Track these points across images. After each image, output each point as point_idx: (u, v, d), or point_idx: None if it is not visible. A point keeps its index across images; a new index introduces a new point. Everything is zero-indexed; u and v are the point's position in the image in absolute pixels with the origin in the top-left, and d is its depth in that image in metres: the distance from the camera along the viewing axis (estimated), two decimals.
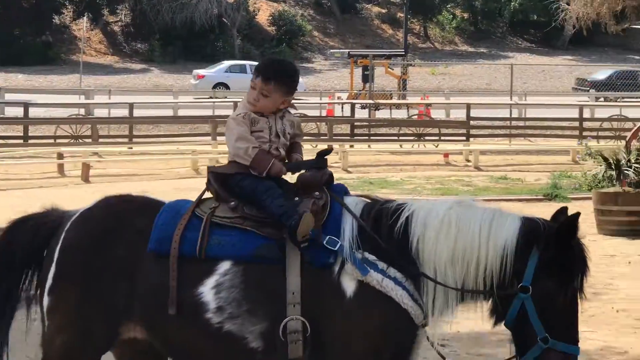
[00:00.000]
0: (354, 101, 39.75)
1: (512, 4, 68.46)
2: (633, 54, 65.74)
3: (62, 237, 4.85)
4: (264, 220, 4.73)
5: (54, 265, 4.81)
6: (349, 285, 4.55)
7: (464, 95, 41.61)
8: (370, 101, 39.44)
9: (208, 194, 5.10)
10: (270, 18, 68.83)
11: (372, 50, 51.62)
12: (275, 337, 4.52)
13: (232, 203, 4.79)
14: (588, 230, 15.14)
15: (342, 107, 39.40)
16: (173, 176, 24.03)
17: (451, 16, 72.96)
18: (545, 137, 34.31)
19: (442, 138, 32.34)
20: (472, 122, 33.38)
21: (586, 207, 16.16)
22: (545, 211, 14.17)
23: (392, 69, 45.48)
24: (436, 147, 30.93)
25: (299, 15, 69.70)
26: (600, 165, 18.20)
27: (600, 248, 14.73)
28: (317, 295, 4.60)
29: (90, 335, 4.86)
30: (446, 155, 28.90)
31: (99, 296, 4.77)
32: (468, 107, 34.44)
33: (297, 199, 4.74)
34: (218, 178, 4.94)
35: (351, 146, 30.21)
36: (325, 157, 5.11)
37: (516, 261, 4.51)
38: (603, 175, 17.57)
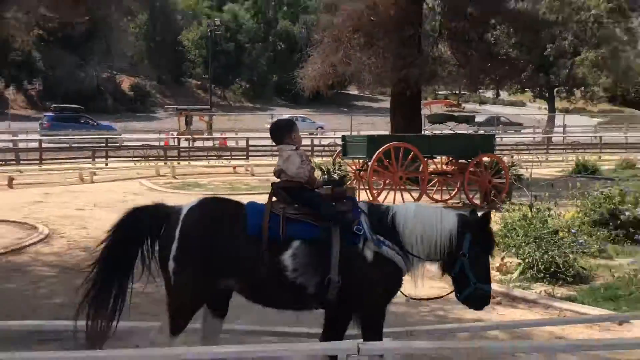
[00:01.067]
0: (181, 136, 42.35)
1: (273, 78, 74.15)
2: (343, 107, 73.27)
3: (179, 222, 5.27)
4: (316, 216, 5.41)
5: (176, 241, 5.22)
6: (369, 254, 5.37)
7: (246, 132, 43.82)
8: (189, 136, 42.60)
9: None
10: (129, 86, 72.54)
11: (191, 106, 54.76)
12: (322, 285, 5.30)
13: (296, 205, 5.50)
14: None
15: (174, 140, 41.61)
16: (67, 183, 23.99)
17: (239, 86, 78.44)
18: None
19: (233, 157, 34.82)
20: (250, 148, 35.71)
21: None
22: None
23: (204, 118, 49.63)
24: (229, 162, 32.56)
25: (148, 84, 73.63)
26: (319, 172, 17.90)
27: None
28: (349, 261, 5.32)
29: (201, 286, 5.36)
30: (234, 167, 30.16)
31: (208, 262, 5.27)
32: (247, 140, 37.13)
33: (333, 203, 5.53)
34: (285, 189, 5.61)
35: (178, 162, 31.84)
36: (343, 180, 6.39)
37: (458, 240, 5.48)
38: (322, 178, 14.23)
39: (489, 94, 77.82)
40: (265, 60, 75.36)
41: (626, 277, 9.59)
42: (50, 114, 49.72)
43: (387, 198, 16.97)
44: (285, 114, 57.29)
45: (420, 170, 17.43)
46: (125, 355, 4.80)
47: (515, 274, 10.13)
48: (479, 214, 5.69)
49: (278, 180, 5.69)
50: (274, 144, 6.06)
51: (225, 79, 75.51)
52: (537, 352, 6.66)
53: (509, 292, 9.31)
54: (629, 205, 12.58)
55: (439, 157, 19.02)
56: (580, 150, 37.51)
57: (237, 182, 24.84)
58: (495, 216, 9.38)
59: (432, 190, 18.73)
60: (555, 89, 63.62)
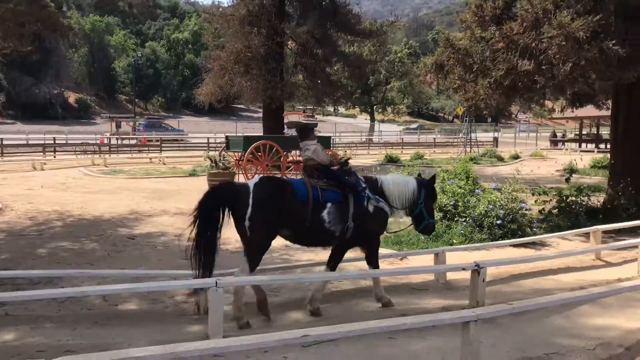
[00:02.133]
0: (112, 136, 40.12)
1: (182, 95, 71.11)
2: (233, 116, 70.66)
3: (251, 194, 5.39)
4: (338, 186, 5.81)
5: (250, 207, 5.36)
6: (370, 208, 5.87)
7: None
8: (118, 136, 40.62)
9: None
10: (75, 99, 67.90)
11: (120, 115, 53.58)
12: (343, 229, 5.76)
13: (325, 180, 5.84)
14: (203, 185, 20.68)
15: (107, 139, 38.37)
16: (22, 171, 21.61)
17: (157, 100, 74.81)
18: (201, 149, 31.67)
19: (150, 151, 33.13)
20: (163, 144, 34.61)
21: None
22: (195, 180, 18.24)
23: (129, 123, 46.35)
24: (147, 155, 30.97)
25: (89, 99, 69.24)
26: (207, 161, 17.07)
27: None
28: (358, 213, 5.79)
29: (269, 235, 5.60)
30: (150, 158, 28.48)
31: (273, 219, 5.50)
32: (161, 139, 36.50)
33: (346, 177, 5.91)
34: (316, 170, 5.94)
35: (109, 155, 30.19)
36: (347, 162, 6.40)
37: (418, 193, 6.10)
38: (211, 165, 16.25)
39: (331, 108, 78.87)
40: (176, 82, 73.15)
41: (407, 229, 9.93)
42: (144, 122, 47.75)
43: None
44: (190, 121, 55.92)
45: (281, 160, 17.62)
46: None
47: None
48: (429, 178, 6.44)
49: (308, 164, 6.07)
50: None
51: (146, 95, 73.33)
52: (345, 279, 6.95)
53: None
54: None
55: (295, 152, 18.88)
56: (389, 147, 38.97)
57: (152, 169, 23.52)
58: None
59: (290, 174, 18.53)
60: (375, 106, 65.25)
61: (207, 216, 5.43)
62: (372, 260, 6.16)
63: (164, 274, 6.19)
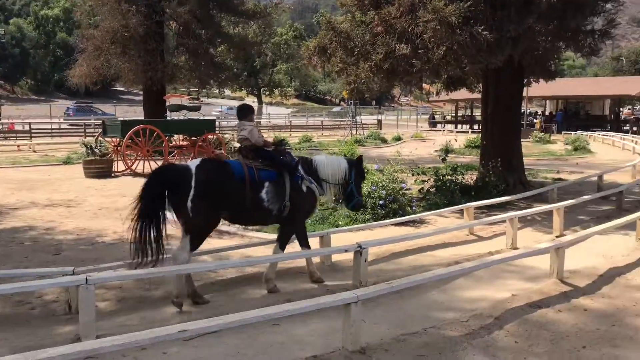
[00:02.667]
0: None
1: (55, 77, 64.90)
2: (113, 100, 62.69)
3: (193, 176, 5.43)
4: (273, 165, 5.95)
5: (192, 189, 5.39)
6: (304, 187, 6.07)
7: (31, 119, 36.97)
8: None
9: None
10: None
11: None
12: (280, 208, 5.92)
13: (260, 160, 5.96)
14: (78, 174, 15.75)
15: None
16: None
17: (26, 82, 69.25)
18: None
19: (18, 137, 30.03)
20: (33, 130, 32.14)
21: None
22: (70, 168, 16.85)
23: None
24: (15, 142, 27.67)
25: None
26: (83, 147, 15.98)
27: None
28: (294, 192, 5.96)
29: (211, 217, 5.69)
30: (19, 146, 25.85)
31: (214, 201, 5.54)
32: (30, 124, 33.08)
33: (281, 157, 6.06)
34: (251, 150, 6.04)
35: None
36: (282, 141, 6.51)
37: (349, 173, 6.34)
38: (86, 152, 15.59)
39: (217, 91, 77.30)
40: (47, 63, 67.53)
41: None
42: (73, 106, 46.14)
43: (139, 166, 16.29)
44: (64, 104, 52.08)
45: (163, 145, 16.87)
46: None
47: None
48: (357, 158, 6.76)
49: (243, 145, 6.13)
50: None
51: (13, 77, 66.89)
52: (232, 268, 6.79)
53: (218, 228, 9.06)
54: None
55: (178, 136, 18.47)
56: (277, 130, 39.00)
57: (20, 157, 21.88)
58: None
59: (174, 159, 17.96)
60: (262, 88, 64.79)
61: (151, 199, 5.43)
62: (283, 241, 6.33)
63: (28, 273, 5.66)
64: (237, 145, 6.66)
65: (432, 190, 11.76)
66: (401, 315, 5.37)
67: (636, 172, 15.58)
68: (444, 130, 42.71)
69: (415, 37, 10.02)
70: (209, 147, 17.50)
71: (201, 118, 18.74)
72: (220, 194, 5.57)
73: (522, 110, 45.79)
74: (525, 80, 13.72)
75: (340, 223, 9.23)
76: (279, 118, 55.78)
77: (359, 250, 5.88)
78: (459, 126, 49.52)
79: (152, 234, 5.38)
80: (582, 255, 7.51)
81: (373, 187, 9.63)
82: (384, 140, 31.15)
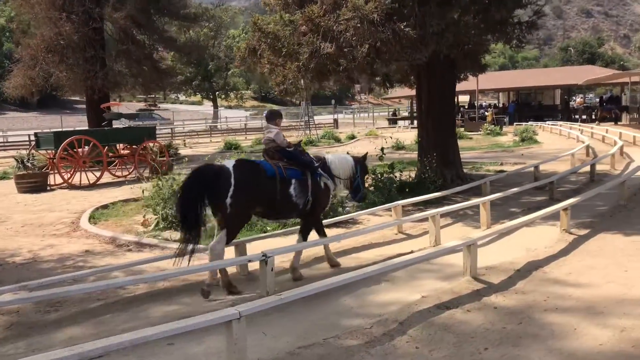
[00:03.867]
0: None
1: None
2: (67, 110, 65.50)
3: (232, 174, 5.88)
4: (297, 164, 6.48)
5: (232, 186, 5.82)
6: (322, 184, 6.66)
7: None
8: None
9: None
10: None
11: None
12: (306, 202, 6.46)
13: (285, 160, 6.46)
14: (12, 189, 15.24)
15: None
16: None
17: None
18: None
19: None
20: None
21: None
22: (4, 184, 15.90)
23: None
24: None
25: None
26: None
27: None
28: (315, 188, 6.52)
29: (247, 210, 6.18)
30: None
31: (251, 195, 6.01)
32: None
33: (303, 157, 6.63)
34: (278, 151, 6.53)
35: None
36: (300, 143, 7.08)
37: (355, 169, 7.04)
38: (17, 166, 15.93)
39: (177, 96, 75.99)
40: None
41: None
42: None
43: (76, 178, 15.74)
44: (16, 117, 50.42)
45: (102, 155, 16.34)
46: None
47: (152, 226, 9.71)
48: (362, 155, 7.44)
49: (270, 147, 6.60)
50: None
51: None
52: (143, 283, 6.45)
53: (139, 241, 8.78)
54: None
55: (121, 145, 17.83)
56: (232, 134, 38.45)
57: None
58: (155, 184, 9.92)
59: (117, 168, 17.63)
60: (217, 92, 63.94)
61: (191, 197, 5.83)
62: (306, 232, 6.91)
63: None
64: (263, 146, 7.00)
65: (371, 188, 11.58)
66: (307, 325, 5.15)
67: (575, 161, 15.73)
68: (399, 126, 42.66)
69: (339, 35, 9.84)
70: (149, 154, 16.99)
71: (141, 125, 18.06)
72: (256, 190, 6.07)
73: (472, 103, 46.76)
74: (459, 75, 13.68)
75: (268, 228, 8.95)
76: (235, 121, 55.18)
77: (264, 260, 5.62)
78: (416, 122, 49.68)
79: (194, 229, 5.87)
80: (504, 249, 7.46)
81: None
82: (338, 140, 30.97)
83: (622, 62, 71.23)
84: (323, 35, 10.09)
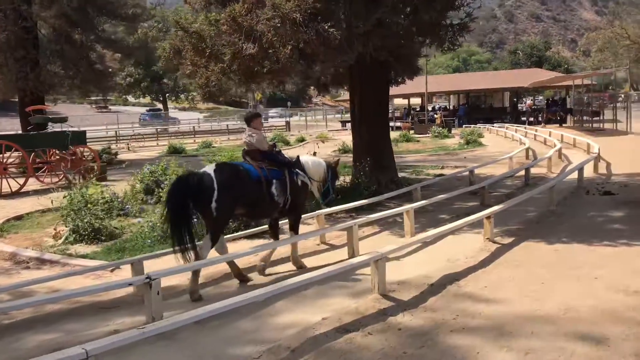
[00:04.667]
0: None
1: None
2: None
3: (214, 179, 5.98)
4: (277, 165, 6.71)
5: (215, 191, 5.95)
6: (299, 182, 6.84)
7: None
8: None
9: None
10: None
11: None
12: (285, 200, 6.65)
13: (266, 162, 6.67)
14: None
15: None
16: None
17: None
18: None
19: None
20: None
21: None
22: None
23: None
24: None
25: None
26: None
27: None
28: (293, 187, 6.72)
29: (230, 213, 6.37)
30: None
31: (233, 198, 6.14)
32: None
33: (281, 157, 6.90)
34: (258, 153, 6.72)
35: None
36: (275, 145, 7.25)
37: (327, 173, 7.27)
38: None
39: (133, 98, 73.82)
40: None
41: (136, 232, 9.06)
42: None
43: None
44: None
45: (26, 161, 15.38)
46: None
47: (62, 239, 9.00)
48: (333, 161, 7.77)
49: (247, 149, 6.83)
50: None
51: None
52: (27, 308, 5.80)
53: (40, 257, 8.04)
54: (168, 176, 11.86)
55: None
56: (180, 137, 37.45)
57: None
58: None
59: (46, 175, 16.52)
60: (167, 94, 62.45)
61: (178, 203, 5.99)
62: (296, 226, 7.23)
63: None
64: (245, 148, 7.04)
65: None
66: (192, 354, 4.63)
67: (513, 164, 15.68)
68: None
69: (261, 35, 9.35)
70: (78, 160, 16.12)
71: (70, 130, 17.10)
72: (240, 192, 6.23)
73: (423, 106, 47.14)
74: (396, 78, 13.38)
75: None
76: (187, 124, 53.99)
77: (149, 283, 5.05)
78: None
79: (185, 234, 5.99)
80: (424, 260, 7.13)
81: None
82: (287, 143, 30.36)
83: (567, 66, 73.20)
84: (246, 35, 9.58)
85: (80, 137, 16.65)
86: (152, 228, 8.71)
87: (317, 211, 8.89)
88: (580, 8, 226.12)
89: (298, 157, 7.23)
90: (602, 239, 7.70)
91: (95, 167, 16.25)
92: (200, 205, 6.10)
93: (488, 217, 7.70)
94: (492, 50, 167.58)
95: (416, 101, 49.57)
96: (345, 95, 59.57)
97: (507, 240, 7.92)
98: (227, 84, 10.63)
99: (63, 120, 16.65)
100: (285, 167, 6.80)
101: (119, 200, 10.91)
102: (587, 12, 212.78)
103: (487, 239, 7.73)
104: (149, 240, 8.38)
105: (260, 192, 6.39)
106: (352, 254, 7.30)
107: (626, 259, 6.80)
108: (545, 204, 10.16)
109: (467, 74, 69.84)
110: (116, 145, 34.28)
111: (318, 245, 8.36)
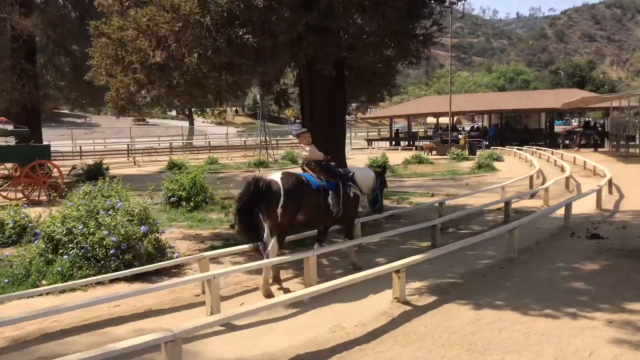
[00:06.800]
0: None
1: None
2: None
3: (281, 186, 6.48)
4: (334, 176, 7.17)
5: (282, 197, 6.44)
6: (352, 194, 7.32)
7: None
8: None
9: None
10: None
11: None
12: (338, 209, 7.09)
13: (324, 173, 7.15)
14: None
15: None
16: None
17: None
18: None
19: None
20: None
21: None
22: None
23: None
24: None
25: None
26: None
27: None
28: (346, 197, 7.19)
29: (293, 218, 6.69)
30: None
31: (296, 205, 6.58)
32: None
33: (336, 169, 7.37)
34: (317, 165, 7.20)
35: None
36: (328, 157, 7.52)
37: (376, 182, 7.74)
38: None
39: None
40: None
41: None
42: None
43: None
44: None
45: None
46: None
47: None
48: (382, 170, 8.70)
49: (306, 161, 7.29)
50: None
51: None
52: None
53: None
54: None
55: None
56: (195, 152, 36.74)
57: None
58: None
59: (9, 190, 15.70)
60: (193, 108, 61.80)
61: (248, 207, 6.38)
62: (350, 233, 7.86)
63: None
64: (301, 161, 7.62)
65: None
66: None
67: (505, 193, 13.77)
68: (372, 148, 40.79)
69: (170, 41, 8.03)
70: (41, 176, 15.18)
71: (33, 144, 16.23)
72: (302, 198, 6.64)
73: (456, 126, 45.13)
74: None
75: (44, 282, 7.03)
76: (214, 138, 53.53)
77: None
78: (394, 143, 47.83)
79: (253, 232, 6.54)
80: (304, 325, 5.60)
81: (105, 232, 7.44)
82: (294, 161, 28.97)
83: (613, 86, 69.16)
84: (157, 42, 8.30)
85: (42, 152, 15.69)
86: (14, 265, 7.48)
87: (203, 253, 7.39)
88: (636, 27, 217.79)
89: (353, 172, 7.60)
90: (549, 304, 5.91)
91: (57, 184, 15.41)
92: (266, 209, 6.53)
93: (397, 272, 6.02)
94: (541, 70, 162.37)
95: (444, 120, 47.47)
96: (384, 112, 57.96)
97: (426, 300, 6.22)
98: (143, 99, 9.33)
99: (24, 134, 15.72)
100: (341, 179, 7.26)
101: (30, 224, 9.70)
102: None
103: (396, 298, 6.05)
104: (6, 280, 7.06)
105: (319, 201, 6.86)
106: (211, 312, 5.73)
107: (560, 338, 5.02)
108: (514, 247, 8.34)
109: (502, 93, 66.73)
110: (128, 159, 33.96)
111: (197, 296, 6.77)
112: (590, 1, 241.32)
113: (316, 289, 5.63)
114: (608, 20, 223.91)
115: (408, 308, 5.94)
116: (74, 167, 21.23)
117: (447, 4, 10.47)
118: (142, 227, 7.64)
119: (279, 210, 6.45)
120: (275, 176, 6.62)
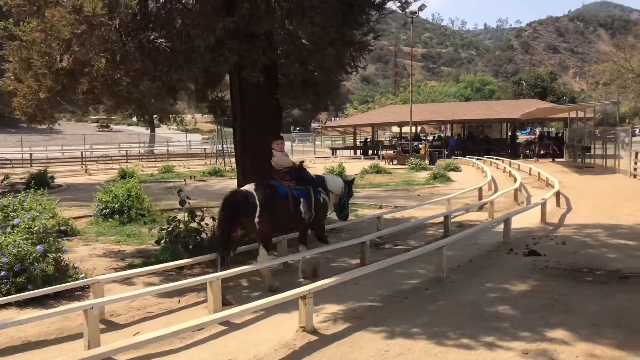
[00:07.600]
0: None
1: None
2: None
3: (256, 197, 6.91)
4: (304, 183, 7.50)
5: (258, 207, 6.87)
6: (321, 199, 7.64)
7: None
8: None
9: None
10: None
11: None
12: (310, 215, 7.43)
13: (294, 180, 7.49)
14: None
15: None
16: None
17: None
18: None
19: None
20: None
21: None
22: None
23: None
24: None
25: None
26: None
27: None
28: (317, 203, 7.52)
29: (272, 226, 7.11)
30: None
31: (273, 214, 6.99)
32: None
33: (306, 176, 7.71)
34: (287, 172, 7.55)
35: None
36: (302, 164, 8.11)
37: (344, 189, 8.06)
38: None
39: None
40: None
41: None
42: None
43: None
44: None
45: None
46: None
47: None
48: (351, 179, 8.63)
49: (278, 169, 7.63)
50: None
51: None
52: None
53: None
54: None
55: None
56: (152, 159, 35.80)
57: None
58: None
59: None
60: (154, 115, 60.71)
61: (228, 217, 6.84)
62: (322, 236, 8.04)
63: None
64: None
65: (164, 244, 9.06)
66: None
67: (451, 205, 13.45)
68: (336, 156, 40.40)
69: (75, 45, 7.42)
70: None
71: None
72: (276, 207, 7.00)
73: (419, 136, 45.17)
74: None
75: None
76: (175, 146, 52.51)
77: None
78: (353, 152, 47.59)
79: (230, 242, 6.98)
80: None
81: None
82: None
83: (574, 97, 70.34)
84: (66, 44, 7.68)
85: None
86: None
87: (96, 277, 6.75)
88: (598, 40, 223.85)
89: (324, 177, 8.00)
90: (467, 332, 5.44)
91: None
92: (246, 218, 6.92)
93: (304, 297, 5.51)
94: (507, 80, 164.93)
95: (407, 129, 47.44)
96: (351, 119, 57.42)
97: (338, 328, 5.70)
98: (58, 105, 8.67)
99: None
100: (311, 185, 7.57)
101: None
102: (605, 44, 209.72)
103: (302, 327, 5.52)
104: None
105: (289, 209, 7.18)
106: (89, 346, 5.11)
107: None
108: (446, 265, 7.91)
109: (464, 103, 67.24)
110: (82, 166, 32.88)
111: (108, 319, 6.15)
112: (555, 14, 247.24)
113: (208, 319, 5.10)
114: (571, 33, 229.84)
115: (313, 338, 5.40)
116: (6, 177, 20.11)
117: (385, 11, 10.05)
118: (39, 247, 6.96)
119: (256, 220, 6.89)
120: (250, 187, 7.06)
